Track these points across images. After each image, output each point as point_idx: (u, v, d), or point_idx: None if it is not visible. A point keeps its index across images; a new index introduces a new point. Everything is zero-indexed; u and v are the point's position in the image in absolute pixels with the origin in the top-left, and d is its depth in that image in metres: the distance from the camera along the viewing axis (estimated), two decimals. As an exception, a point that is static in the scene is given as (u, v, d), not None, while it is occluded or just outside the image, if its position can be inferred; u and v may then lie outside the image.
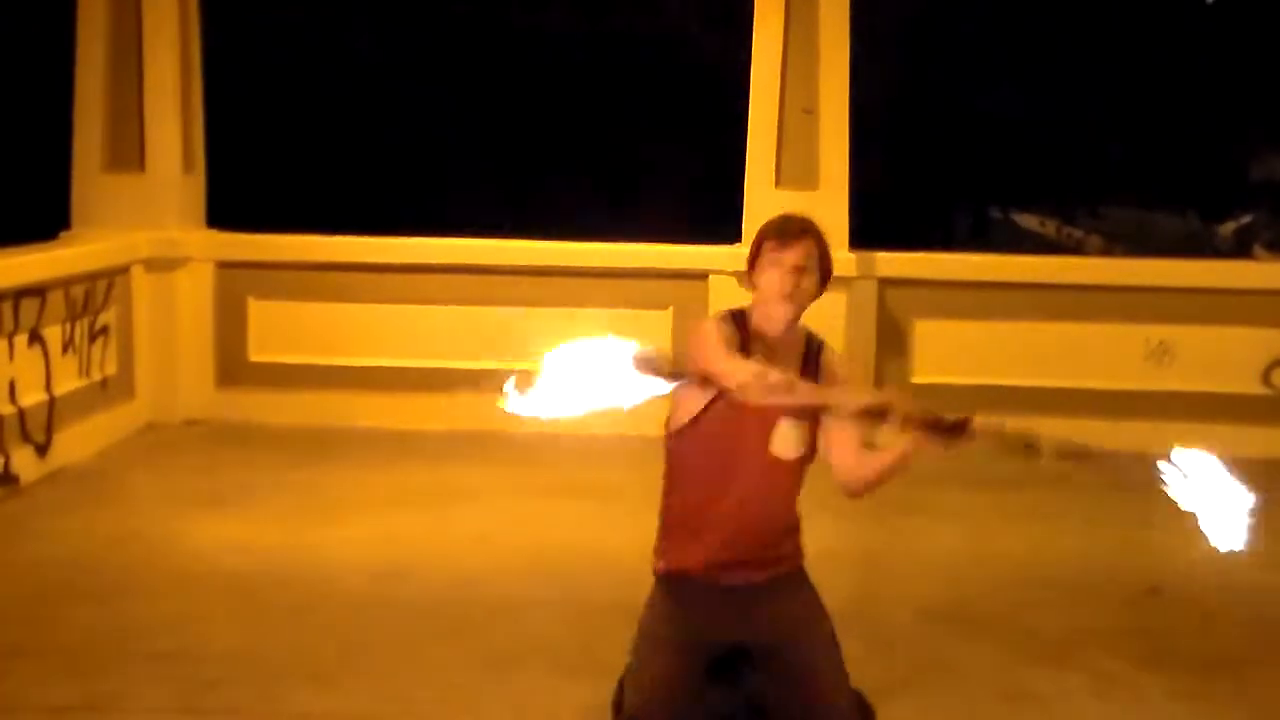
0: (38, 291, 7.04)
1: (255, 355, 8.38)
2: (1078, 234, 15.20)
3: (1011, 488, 7.30)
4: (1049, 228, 15.36)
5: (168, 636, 4.98)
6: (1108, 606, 5.56)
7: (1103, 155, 15.87)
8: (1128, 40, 14.96)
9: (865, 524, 6.66)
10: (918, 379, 8.20)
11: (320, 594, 5.46)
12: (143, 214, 8.24)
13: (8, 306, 6.76)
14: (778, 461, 3.69)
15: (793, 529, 3.85)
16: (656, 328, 8.24)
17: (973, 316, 8.21)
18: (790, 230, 3.68)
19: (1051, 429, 8.19)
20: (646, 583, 5.65)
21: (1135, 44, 14.98)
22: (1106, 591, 5.73)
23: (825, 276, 3.71)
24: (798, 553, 3.87)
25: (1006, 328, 8.21)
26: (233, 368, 8.38)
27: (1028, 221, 15.48)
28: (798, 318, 3.68)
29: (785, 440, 3.70)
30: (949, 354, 8.17)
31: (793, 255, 3.63)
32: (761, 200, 8.12)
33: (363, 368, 8.29)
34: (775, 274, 3.63)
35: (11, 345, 6.80)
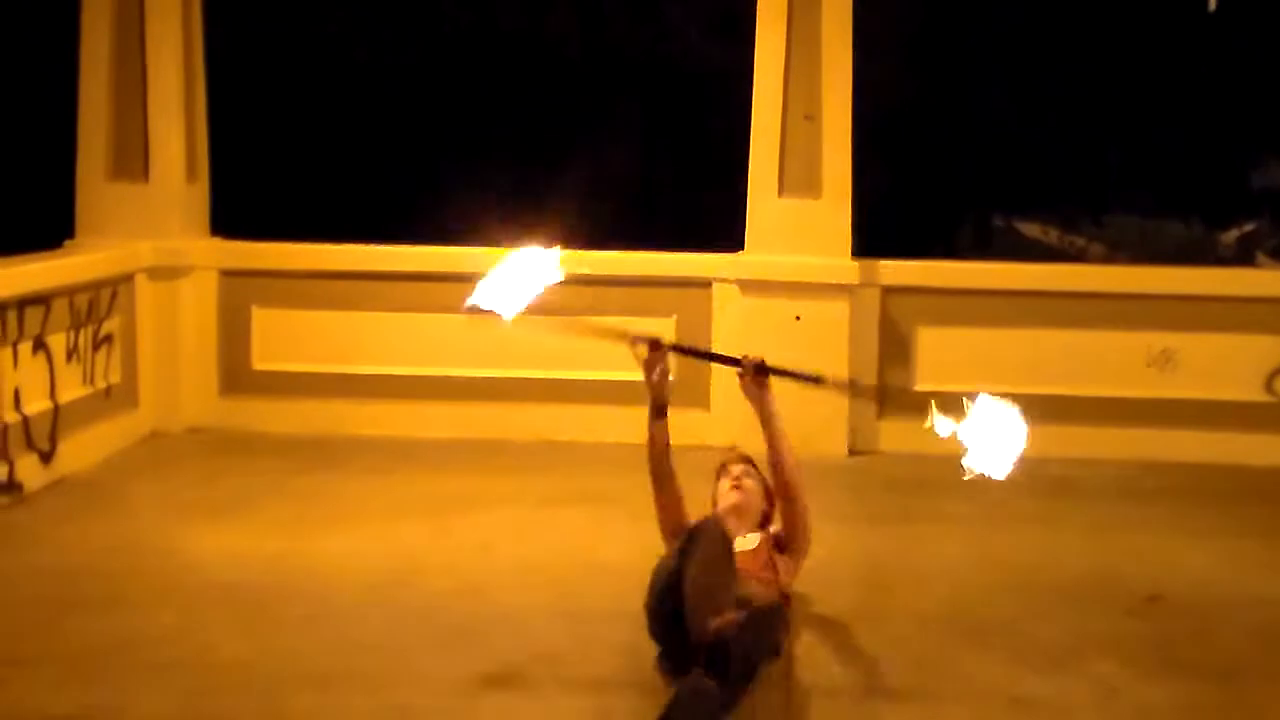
0: (42, 300, 7.05)
1: (259, 364, 8.38)
2: (1080, 241, 15.20)
3: (1014, 495, 7.30)
4: (1051, 235, 15.37)
5: (169, 645, 4.98)
6: (1110, 614, 5.55)
7: (1105, 163, 15.88)
8: (1130, 48, 14.97)
9: (869, 531, 6.67)
10: (920, 386, 8.19)
11: (322, 602, 5.45)
12: (146, 223, 8.24)
13: (12, 315, 6.78)
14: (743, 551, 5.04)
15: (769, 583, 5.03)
16: (660, 336, 8.23)
17: (976, 324, 8.21)
18: (730, 459, 5.69)
19: (1054, 437, 8.29)
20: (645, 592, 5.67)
21: (1138, 52, 14.99)
22: (1109, 599, 5.72)
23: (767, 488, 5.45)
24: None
25: (1009, 335, 8.20)
26: (236, 376, 8.39)
27: (1030, 229, 15.48)
28: (748, 505, 5.42)
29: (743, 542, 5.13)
30: (952, 362, 8.17)
31: (734, 470, 5.58)
32: (764, 208, 8.13)
33: (366, 376, 8.29)
34: (724, 481, 5.56)
35: (16, 353, 6.81)
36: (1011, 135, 15.30)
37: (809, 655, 4.79)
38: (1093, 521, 6.91)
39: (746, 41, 8.18)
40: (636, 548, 6.24)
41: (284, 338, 8.36)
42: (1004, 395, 7.97)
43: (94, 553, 6.02)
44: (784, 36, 8.02)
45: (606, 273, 8.32)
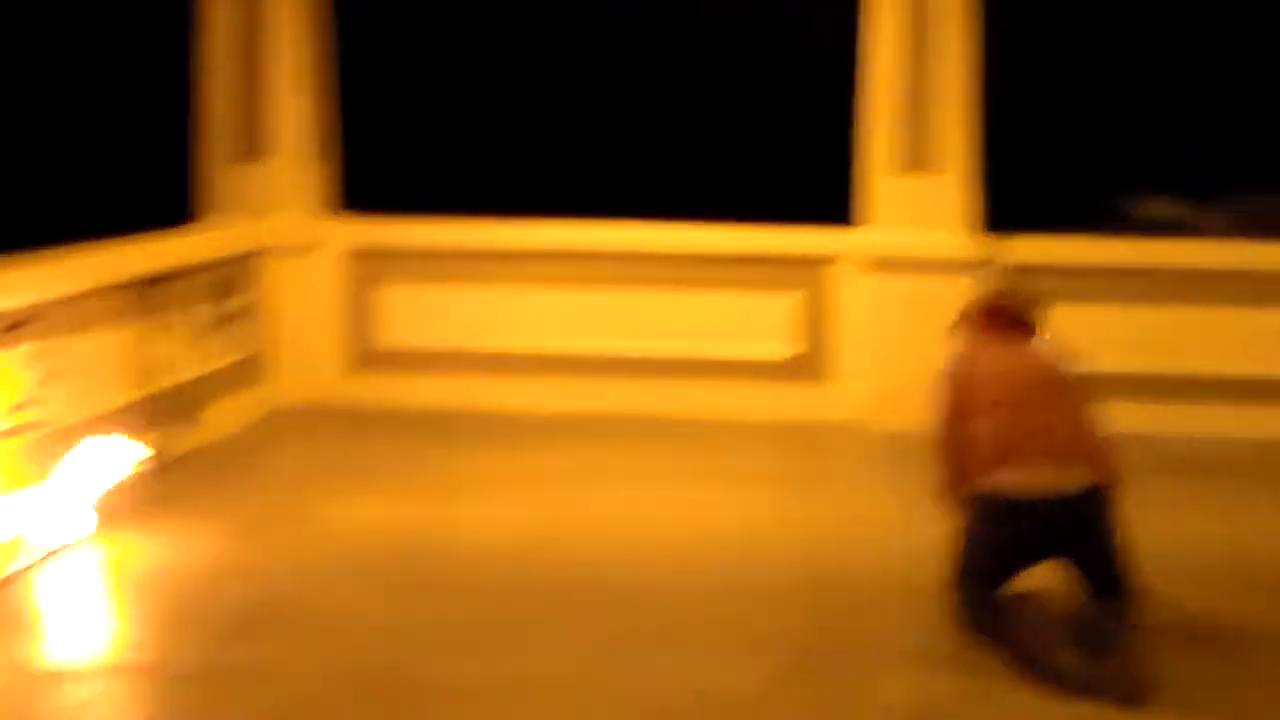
0: (180, 275, 7.23)
1: (386, 339, 8.49)
2: (1212, 217, 14.82)
3: (1145, 475, 7.17)
4: (1182, 211, 15.02)
5: (312, 611, 5.12)
6: (1254, 594, 5.45)
7: (1240, 137, 15.49)
8: (1267, 18, 14.60)
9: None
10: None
11: (454, 573, 5.56)
12: (277, 199, 8.38)
13: (153, 290, 6.96)
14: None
15: None
16: (782, 312, 8.24)
17: (1103, 301, 8.08)
18: None
19: (1185, 416, 8.10)
20: (784, 564, 5.72)
21: (1273, 21, 14.61)
22: (1248, 580, 5.62)
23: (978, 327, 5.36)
24: None
25: (1138, 313, 8.07)
26: (364, 351, 8.49)
27: (1160, 205, 15.14)
28: None
29: None
30: (1079, 340, 8.05)
31: None
32: (886, 183, 8.06)
33: (494, 352, 8.36)
34: None
35: (156, 327, 7.00)
36: (1142, 107, 14.97)
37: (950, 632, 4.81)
38: (1229, 502, 6.78)
39: (865, 12, 8.10)
40: (763, 522, 6.30)
41: (411, 314, 8.45)
42: (1131, 374, 7.96)
43: (232, 520, 6.19)
44: (902, 6, 7.95)
45: (729, 248, 8.33)
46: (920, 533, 5.95)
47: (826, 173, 8.79)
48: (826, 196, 8.50)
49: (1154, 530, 6.23)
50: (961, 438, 5.00)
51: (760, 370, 8.27)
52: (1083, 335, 7.95)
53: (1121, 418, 7.81)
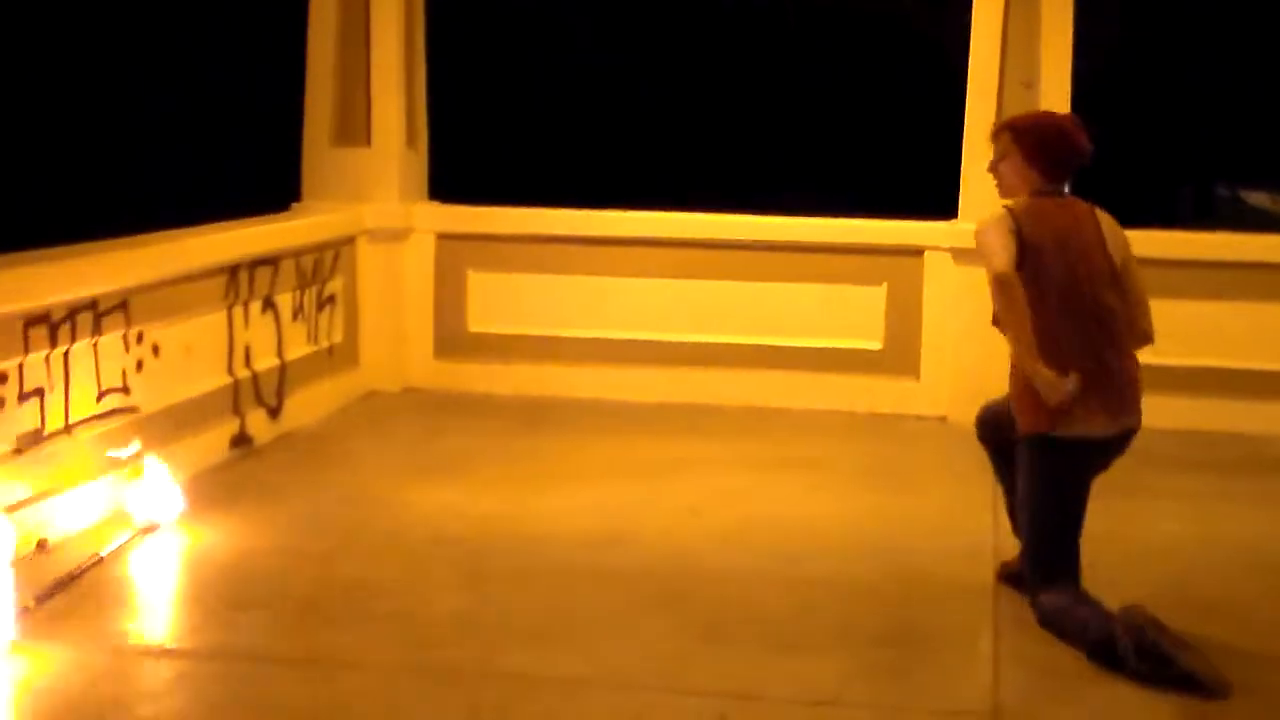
0: (271, 261, 7.32)
1: (474, 326, 8.56)
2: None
3: (1236, 473, 7.08)
4: (1280, 205, 14.72)
5: (391, 597, 5.15)
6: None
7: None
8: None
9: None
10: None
11: (535, 560, 5.58)
12: (368, 187, 8.47)
13: (244, 275, 7.06)
14: None
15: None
16: (870, 304, 8.18)
17: (1197, 296, 7.93)
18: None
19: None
20: (861, 557, 5.69)
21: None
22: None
23: (1031, 155, 4.89)
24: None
25: (1233, 308, 7.92)
26: (452, 338, 8.57)
27: (1257, 199, 14.83)
28: (1005, 196, 5.00)
29: None
30: (1171, 335, 7.89)
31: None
32: (979, 175, 7.96)
33: (578, 339, 8.40)
34: None
35: (247, 312, 7.10)
36: (1238, 98, 14.68)
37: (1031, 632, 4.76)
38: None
39: (964, 5, 8.04)
40: (847, 514, 6.27)
41: (498, 301, 8.52)
42: (1226, 370, 7.80)
43: (319, 505, 6.26)
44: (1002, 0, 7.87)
45: (817, 239, 8.29)
46: (999, 530, 5.91)
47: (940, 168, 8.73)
48: (940, 192, 8.44)
49: (1238, 528, 6.17)
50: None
51: (847, 362, 8.22)
52: (1171, 331, 7.88)
53: (1203, 414, 7.73)
